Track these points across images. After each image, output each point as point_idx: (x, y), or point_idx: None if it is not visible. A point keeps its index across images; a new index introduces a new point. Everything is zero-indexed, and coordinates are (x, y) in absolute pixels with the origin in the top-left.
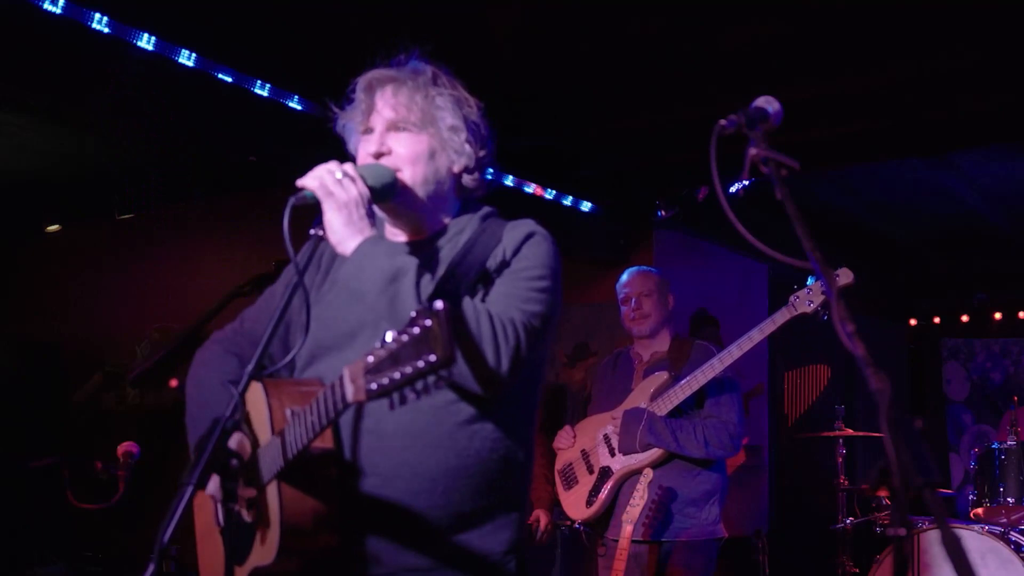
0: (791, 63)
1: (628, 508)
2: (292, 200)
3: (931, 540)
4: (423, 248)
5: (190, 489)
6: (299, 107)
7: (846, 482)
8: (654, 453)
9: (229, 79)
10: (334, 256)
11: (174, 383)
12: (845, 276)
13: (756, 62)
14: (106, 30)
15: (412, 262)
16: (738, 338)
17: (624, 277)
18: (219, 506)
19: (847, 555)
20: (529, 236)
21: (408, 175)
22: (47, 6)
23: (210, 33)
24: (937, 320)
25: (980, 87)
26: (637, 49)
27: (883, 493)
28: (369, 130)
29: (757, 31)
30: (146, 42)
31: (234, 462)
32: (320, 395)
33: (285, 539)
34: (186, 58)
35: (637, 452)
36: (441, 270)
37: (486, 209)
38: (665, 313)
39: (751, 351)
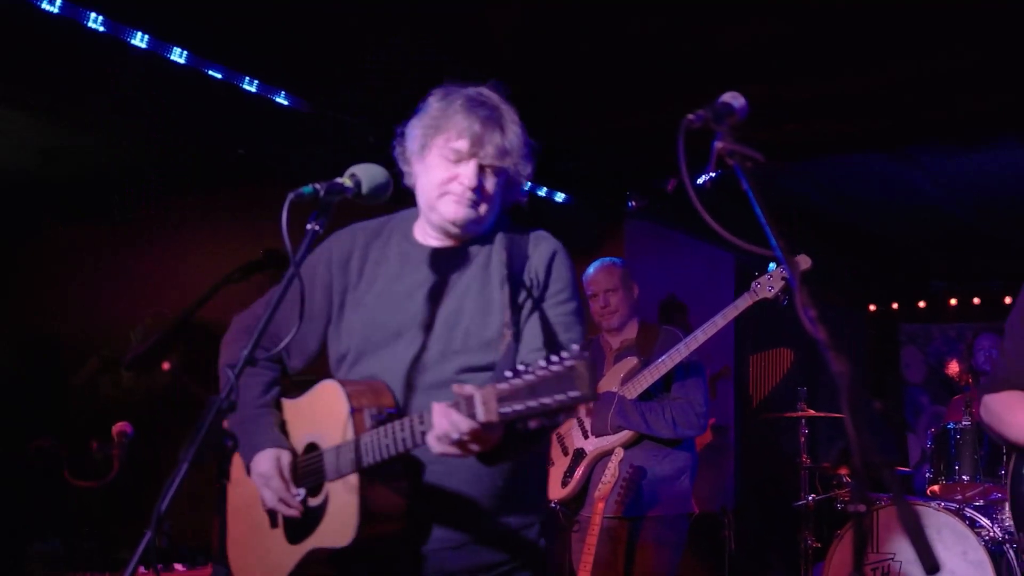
0: (758, 64)
1: (599, 485)
2: (291, 196)
3: (890, 516)
4: (457, 254)
5: (185, 466)
6: (286, 102)
7: (808, 461)
8: (625, 434)
9: (219, 76)
10: (366, 255)
11: (166, 366)
12: (803, 261)
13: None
14: (101, 29)
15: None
16: (705, 322)
17: (590, 272)
18: (265, 491)
19: (809, 531)
20: (555, 254)
21: (485, 209)
22: (44, 5)
23: (201, 32)
24: (896, 306)
25: (939, 90)
26: (609, 50)
27: (844, 471)
28: (465, 158)
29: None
30: (140, 40)
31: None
32: (438, 410)
33: (363, 527)
34: (178, 55)
35: (608, 434)
36: (495, 278)
37: (502, 217)
38: (631, 303)
39: (717, 335)
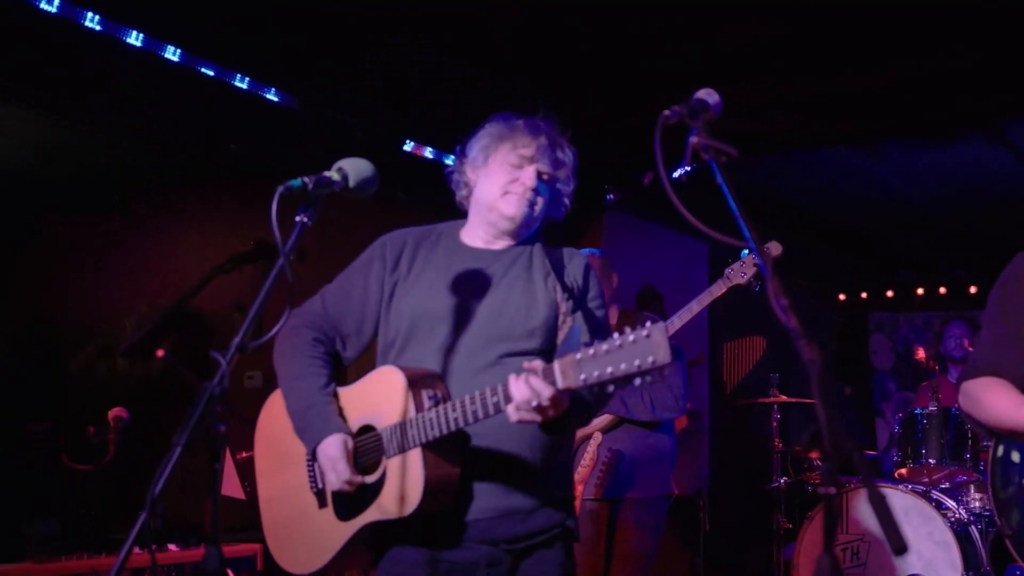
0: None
1: (579, 468)
2: (280, 189)
3: (859, 498)
4: (502, 255)
5: (178, 450)
6: (276, 99)
7: (780, 445)
8: (604, 419)
9: (212, 73)
10: (416, 253)
11: (160, 354)
12: (774, 248)
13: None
14: (98, 28)
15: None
16: (681, 308)
17: None
18: (314, 470)
19: (781, 512)
20: (588, 266)
21: (538, 210)
22: (43, 5)
23: (194, 30)
24: (864, 295)
25: (905, 90)
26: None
27: (815, 455)
28: (527, 163)
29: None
30: (135, 39)
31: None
32: (516, 382)
33: (425, 497)
34: (172, 54)
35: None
36: (539, 276)
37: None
38: (611, 292)
39: (692, 322)
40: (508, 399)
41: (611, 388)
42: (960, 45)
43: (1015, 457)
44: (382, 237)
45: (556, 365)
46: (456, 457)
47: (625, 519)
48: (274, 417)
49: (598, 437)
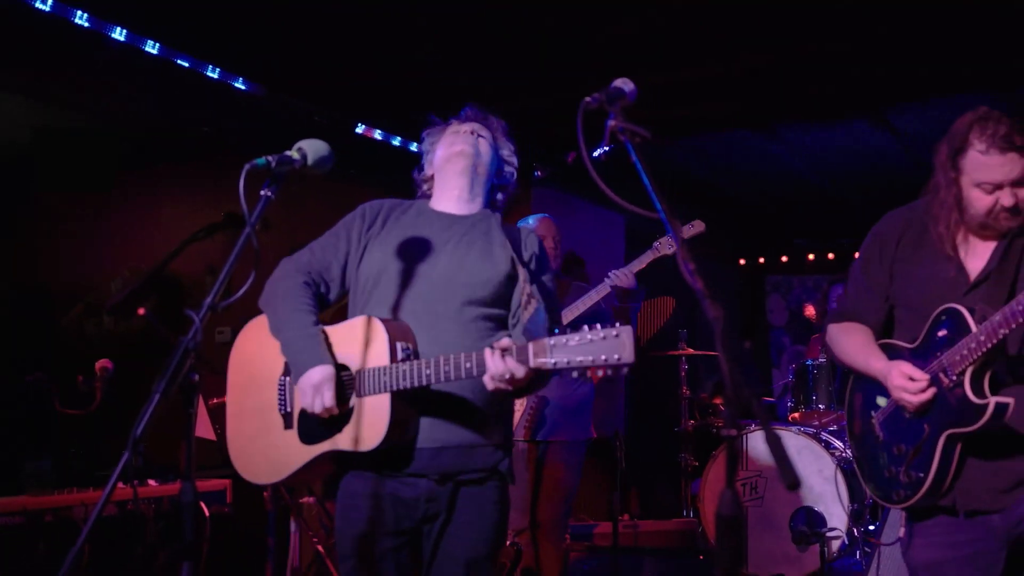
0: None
1: None
2: (247, 167)
3: (757, 439)
4: (464, 219)
5: (157, 396)
6: (243, 87)
7: (688, 392)
8: None
9: (186, 64)
10: (389, 215)
11: (141, 312)
12: (698, 226)
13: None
14: (86, 24)
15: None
16: (602, 275)
17: (532, 222)
18: (285, 394)
19: (689, 452)
20: (541, 245)
21: (480, 151)
22: (38, 4)
23: (171, 27)
24: (762, 260)
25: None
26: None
27: (718, 401)
28: (461, 131)
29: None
30: (119, 34)
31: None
32: (491, 357)
33: (387, 438)
34: (151, 47)
35: None
36: (496, 239)
37: (495, 212)
38: (558, 259)
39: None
40: (483, 370)
41: (575, 374)
42: (846, 35)
43: (859, 397)
44: (363, 204)
45: (530, 347)
46: (416, 405)
47: (551, 459)
48: (251, 342)
49: None
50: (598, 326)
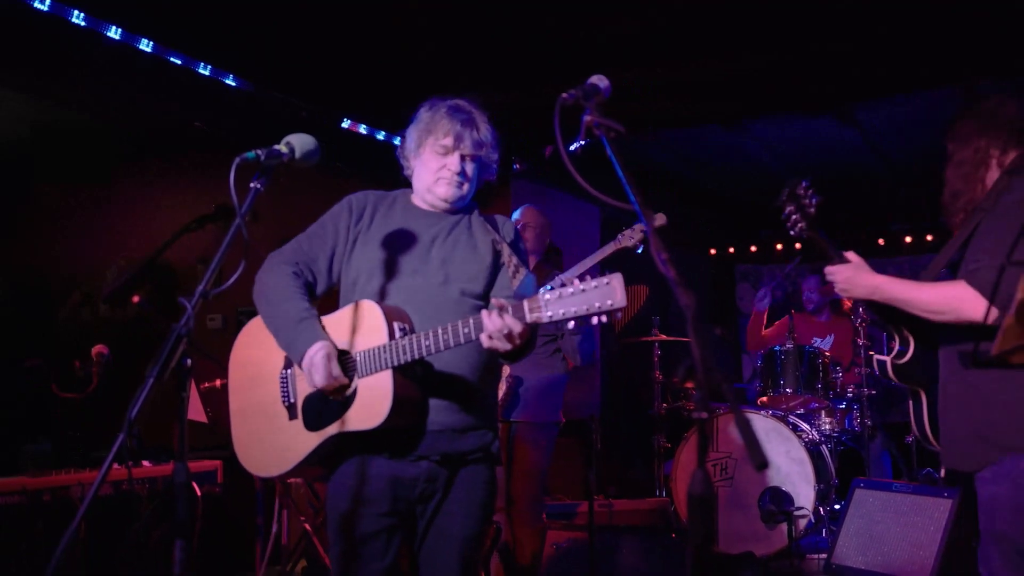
0: (623, 52)
1: None
2: (237, 160)
3: (727, 422)
4: (446, 217)
5: (151, 381)
6: (234, 83)
7: (661, 376)
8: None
9: (179, 62)
10: (376, 209)
11: (136, 300)
12: (660, 219)
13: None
14: (83, 23)
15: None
16: (576, 263)
17: (518, 214)
18: (287, 386)
19: (662, 434)
20: (516, 232)
21: (467, 188)
22: (36, 4)
23: (164, 26)
24: (732, 250)
25: (766, 76)
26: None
27: (690, 385)
28: (451, 151)
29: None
30: (114, 33)
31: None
32: (488, 315)
33: (392, 414)
34: (145, 45)
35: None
36: (479, 234)
37: (472, 202)
38: (540, 248)
39: (587, 273)
40: (480, 329)
41: (572, 324)
42: (813, 36)
43: None
44: (348, 196)
45: (525, 303)
46: (420, 381)
47: (521, 438)
48: (248, 344)
49: (506, 369)
50: (588, 276)
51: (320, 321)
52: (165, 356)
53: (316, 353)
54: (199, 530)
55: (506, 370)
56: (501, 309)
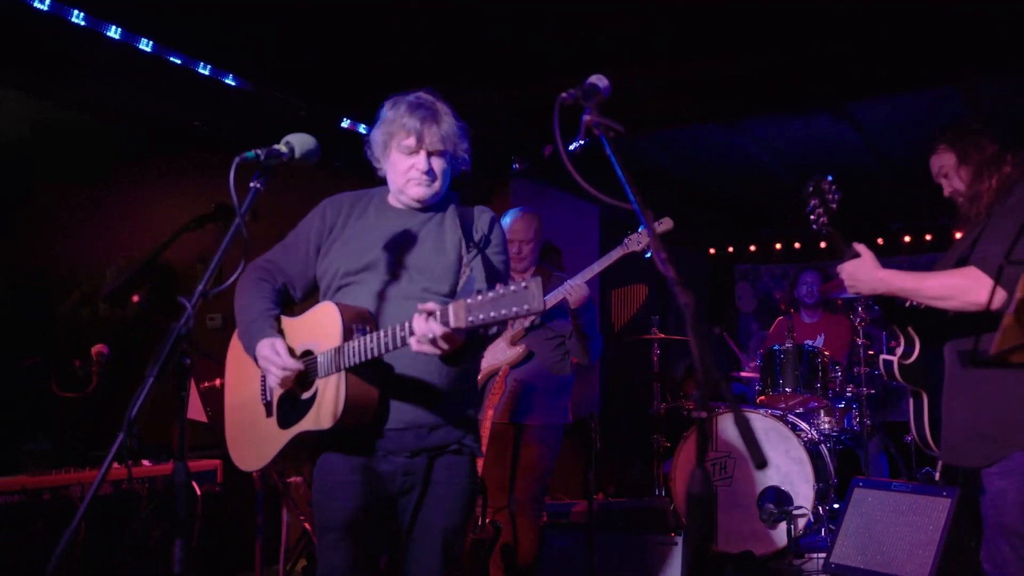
0: (622, 51)
1: (488, 395)
2: (237, 160)
3: (726, 421)
4: (419, 215)
5: (151, 380)
6: (233, 83)
7: (660, 375)
8: (514, 353)
9: (178, 61)
10: (351, 212)
11: (135, 299)
12: (666, 224)
13: (594, 50)
14: (82, 23)
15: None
16: (577, 263)
17: (508, 220)
18: (265, 385)
19: (661, 433)
20: (494, 219)
21: (438, 185)
22: (36, 4)
23: (164, 25)
24: (731, 249)
25: (764, 76)
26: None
27: (689, 384)
28: (416, 150)
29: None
30: (114, 32)
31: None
32: (417, 319)
33: (344, 414)
34: (145, 45)
35: (499, 356)
36: (449, 231)
37: (452, 193)
38: (537, 252)
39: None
40: (412, 333)
41: (494, 330)
42: (813, 36)
43: None
44: (324, 200)
45: (450, 308)
46: (376, 381)
47: (528, 438)
48: (240, 344)
49: (506, 370)
50: (509, 281)
51: (273, 320)
52: (165, 355)
53: (263, 350)
54: (199, 529)
55: (506, 371)
56: (429, 314)
